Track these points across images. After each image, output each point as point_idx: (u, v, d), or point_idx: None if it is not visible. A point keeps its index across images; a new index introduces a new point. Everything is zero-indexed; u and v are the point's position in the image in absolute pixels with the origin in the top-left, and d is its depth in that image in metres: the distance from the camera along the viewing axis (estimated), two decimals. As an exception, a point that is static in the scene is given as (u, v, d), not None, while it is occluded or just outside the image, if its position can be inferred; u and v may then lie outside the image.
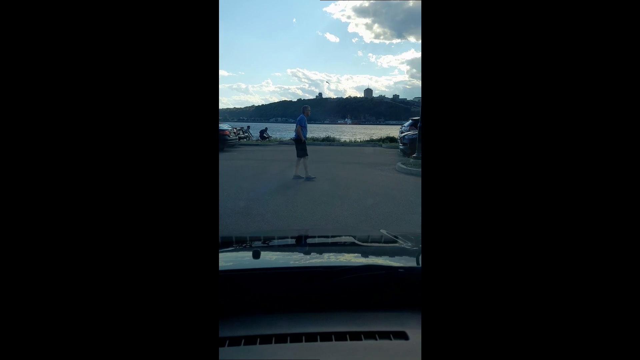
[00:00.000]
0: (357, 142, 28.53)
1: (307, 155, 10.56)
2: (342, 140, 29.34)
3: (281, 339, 1.06)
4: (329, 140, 27.56)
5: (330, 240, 2.28)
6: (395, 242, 1.97)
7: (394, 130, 29.51)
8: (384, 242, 2.00)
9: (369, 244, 2.00)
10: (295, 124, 11.04)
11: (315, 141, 27.11)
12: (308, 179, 10.27)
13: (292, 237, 2.36)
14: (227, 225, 5.73)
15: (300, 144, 10.57)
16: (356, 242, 2.01)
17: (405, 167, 12.20)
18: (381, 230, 2.16)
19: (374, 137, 31.19)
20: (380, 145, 24.73)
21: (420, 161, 12.36)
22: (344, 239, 2.29)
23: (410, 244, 1.87)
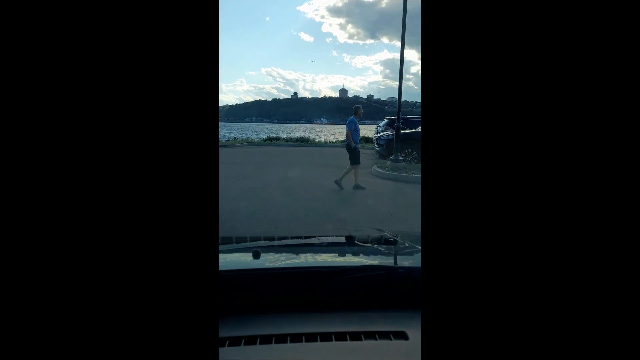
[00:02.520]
0: (332, 142, 28.43)
1: (359, 163, 9.30)
2: (317, 140, 29.17)
3: (281, 339, 1.06)
4: (303, 141, 27.27)
5: (330, 240, 2.28)
6: (395, 242, 1.98)
7: (369, 130, 29.56)
8: (384, 242, 2.01)
9: (369, 244, 2.01)
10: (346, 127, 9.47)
11: (289, 142, 26.92)
12: (357, 187, 9.08)
13: (292, 237, 2.35)
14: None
15: (351, 150, 9.29)
16: (356, 242, 2.02)
17: (381, 170, 11.78)
18: (381, 231, 2.17)
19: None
20: (356, 146, 24.61)
21: (397, 164, 12.07)
22: (344, 239, 2.29)
23: (410, 244, 1.88)
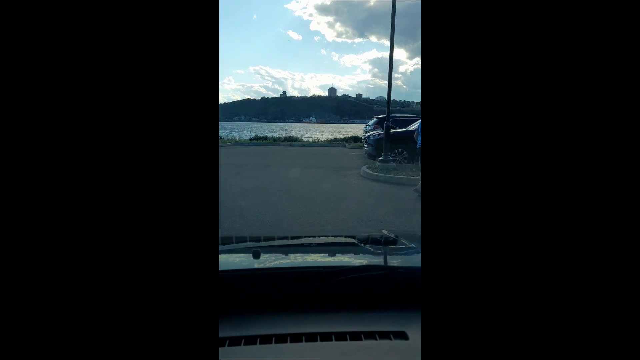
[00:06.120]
0: (321, 141, 28.34)
1: None
2: (305, 140, 29.06)
3: (281, 339, 1.06)
4: (290, 140, 27.01)
5: (330, 240, 2.27)
6: (396, 242, 1.98)
7: (358, 129, 29.57)
8: (384, 242, 2.01)
9: (369, 244, 2.01)
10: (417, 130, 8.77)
11: (276, 141, 26.74)
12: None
13: (292, 238, 2.35)
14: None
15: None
16: (356, 242, 2.02)
17: (370, 172, 11.25)
18: (382, 231, 2.17)
19: (338, 137, 31.11)
20: (344, 146, 24.63)
21: (387, 165, 11.81)
22: (344, 239, 2.29)
23: (410, 244, 1.88)
